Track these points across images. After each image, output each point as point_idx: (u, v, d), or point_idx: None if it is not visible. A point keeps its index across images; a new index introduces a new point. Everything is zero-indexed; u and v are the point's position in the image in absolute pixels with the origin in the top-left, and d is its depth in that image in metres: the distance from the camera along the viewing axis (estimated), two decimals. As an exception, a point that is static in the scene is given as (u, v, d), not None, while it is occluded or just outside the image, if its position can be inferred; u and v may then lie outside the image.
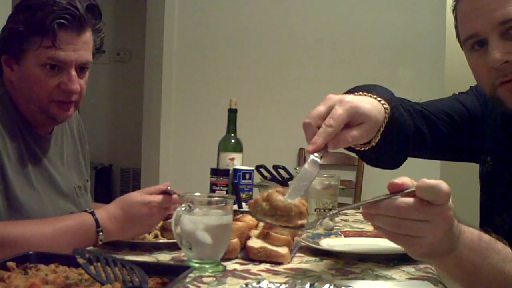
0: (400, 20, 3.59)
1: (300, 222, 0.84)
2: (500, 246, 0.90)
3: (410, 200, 0.78)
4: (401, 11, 3.59)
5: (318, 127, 0.93)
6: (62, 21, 1.28)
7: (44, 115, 1.35)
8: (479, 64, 1.10)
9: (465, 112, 1.33)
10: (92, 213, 1.17)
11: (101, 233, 1.16)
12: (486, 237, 0.90)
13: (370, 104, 0.99)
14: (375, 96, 1.04)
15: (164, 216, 1.25)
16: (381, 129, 1.02)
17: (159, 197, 1.21)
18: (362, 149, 1.06)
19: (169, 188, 1.23)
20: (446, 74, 3.60)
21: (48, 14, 1.27)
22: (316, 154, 0.91)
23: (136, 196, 1.21)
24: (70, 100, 1.34)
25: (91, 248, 1.19)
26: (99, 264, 0.81)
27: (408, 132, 1.15)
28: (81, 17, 1.31)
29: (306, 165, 0.90)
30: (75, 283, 0.79)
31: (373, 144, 1.03)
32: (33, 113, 1.35)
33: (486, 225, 1.28)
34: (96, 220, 1.16)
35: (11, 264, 0.84)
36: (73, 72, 1.32)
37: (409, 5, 3.56)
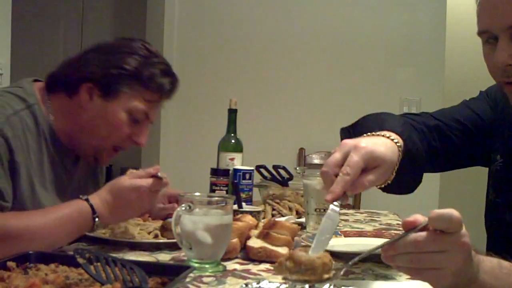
0: (400, 20, 3.59)
1: (326, 276, 0.85)
2: None
3: (424, 233, 0.80)
4: (401, 11, 3.58)
5: (336, 175, 0.95)
6: (170, 86, 1.35)
7: (95, 153, 1.34)
8: (490, 58, 1.11)
9: (477, 119, 1.35)
10: (87, 200, 1.17)
11: (97, 219, 1.17)
12: (506, 263, 0.91)
13: (384, 147, 1.01)
14: (388, 135, 1.05)
15: (154, 200, 1.25)
16: (396, 167, 1.03)
17: (148, 181, 1.20)
18: (378, 186, 1.08)
19: (158, 173, 1.22)
20: (446, 74, 3.60)
21: (160, 74, 1.32)
22: (335, 203, 0.93)
23: (124, 180, 1.20)
24: (123, 150, 1.37)
25: (91, 248, 1.19)
26: (99, 264, 0.81)
27: (421, 159, 1.17)
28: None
29: (326, 217, 0.92)
30: (75, 283, 0.79)
31: (389, 182, 1.05)
32: (85, 146, 1.34)
33: (495, 221, 1.29)
34: (92, 207, 1.17)
35: (11, 264, 0.84)
36: (147, 129, 1.36)
37: (409, 5, 3.56)
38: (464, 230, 0.81)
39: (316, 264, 0.83)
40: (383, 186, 1.08)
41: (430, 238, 0.79)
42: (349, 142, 0.99)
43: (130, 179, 1.20)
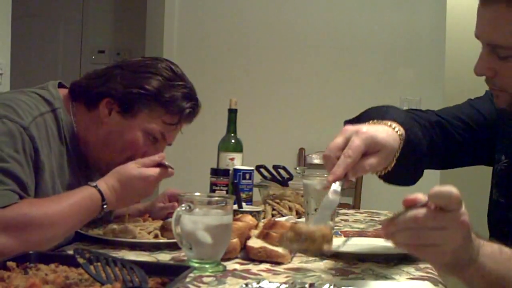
0: (400, 20, 3.59)
1: (326, 246, 0.88)
2: None
3: (424, 209, 0.81)
4: (401, 11, 3.58)
5: (338, 158, 0.98)
6: (190, 110, 1.35)
7: (107, 166, 1.34)
8: None
9: (481, 118, 1.35)
10: (96, 187, 1.20)
11: (105, 206, 1.19)
12: (506, 249, 0.92)
13: (385, 133, 1.04)
14: (389, 124, 1.08)
15: (156, 187, 1.27)
16: (397, 155, 1.06)
17: (155, 171, 1.24)
18: (379, 174, 1.10)
19: (165, 162, 1.25)
20: (446, 74, 3.60)
21: (182, 97, 1.33)
22: (337, 183, 0.96)
23: (132, 169, 1.23)
24: None
25: (91, 248, 1.19)
26: (99, 264, 0.81)
27: (422, 151, 1.19)
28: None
29: (328, 195, 0.96)
30: (75, 283, 0.79)
31: (389, 169, 1.08)
32: (99, 158, 1.36)
33: (498, 221, 1.30)
34: (101, 194, 1.19)
35: (11, 264, 0.84)
36: (163, 150, 1.37)
37: (409, 5, 3.56)
38: (463, 209, 0.82)
39: (316, 235, 0.87)
40: (384, 174, 1.09)
41: (430, 215, 0.80)
42: (350, 127, 1.02)
43: (138, 168, 1.23)
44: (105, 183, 1.21)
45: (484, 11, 1.05)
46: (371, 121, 1.09)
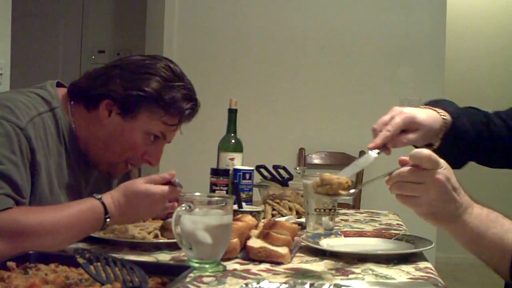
0: (400, 20, 3.59)
1: (342, 191, 1.06)
2: (506, 221, 1.04)
3: (408, 167, 1.00)
4: (401, 11, 3.59)
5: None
6: (190, 111, 1.35)
7: (108, 167, 1.35)
8: None
9: None
10: (100, 199, 1.17)
11: (108, 219, 1.16)
12: (495, 213, 1.05)
13: (426, 114, 1.25)
14: (435, 109, 1.27)
15: (165, 207, 1.25)
16: (440, 135, 1.27)
17: (163, 189, 1.20)
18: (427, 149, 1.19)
19: (175, 180, 1.21)
20: (446, 74, 3.60)
21: (182, 98, 1.32)
22: (374, 150, 1.17)
23: (140, 184, 1.19)
24: (137, 166, 1.38)
25: (91, 247, 1.19)
26: (99, 264, 0.81)
27: (467, 140, 1.32)
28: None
29: (364, 155, 1.18)
30: (75, 283, 0.79)
31: (435, 147, 1.27)
32: (99, 159, 1.35)
33: None
34: (105, 206, 1.16)
35: (11, 264, 0.84)
36: (162, 148, 1.37)
37: (409, 5, 3.56)
38: (443, 169, 0.99)
39: (333, 182, 1.06)
40: (431, 149, 1.16)
41: (411, 171, 0.99)
42: (397, 108, 1.22)
43: (145, 184, 1.19)
44: (111, 197, 1.19)
45: None
46: (423, 106, 1.31)
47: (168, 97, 1.31)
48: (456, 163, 1.35)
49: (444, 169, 0.99)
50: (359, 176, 3.55)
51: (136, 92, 1.30)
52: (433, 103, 1.34)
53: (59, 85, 1.38)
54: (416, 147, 1.23)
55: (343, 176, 1.08)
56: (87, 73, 1.38)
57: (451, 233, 1.06)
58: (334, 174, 1.08)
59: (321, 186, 1.09)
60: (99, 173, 1.45)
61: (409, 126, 1.21)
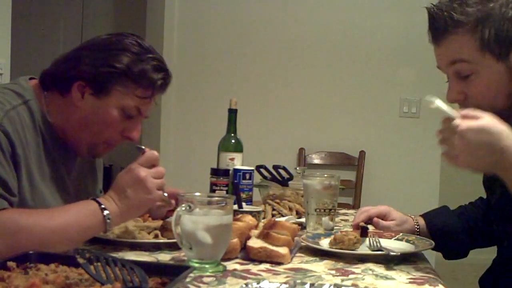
0: (400, 20, 3.59)
1: (353, 246, 1.26)
2: None
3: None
4: (401, 11, 3.58)
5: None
6: (162, 82, 1.34)
7: (89, 149, 1.35)
8: None
9: None
10: (94, 199, 1.19)
11: (106, 212, 1.16)
12: None
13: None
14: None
15: (154, 182, 1.24)
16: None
17: (136, 161, 1.25)
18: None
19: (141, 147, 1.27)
20: (446, 74, 3.60)
21: (152, 70, 1.32)
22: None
23: (120, 172, 1.24)
24: (118, 144, 1.38)
25: (91, 248, 1.19)
26: (99, 264, 0.81)
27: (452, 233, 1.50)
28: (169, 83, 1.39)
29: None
30: (75, 283, 0.79)
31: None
32: (78, 142, 1.35)
33: None
34: (98, 202, 1.17)
35: (11, 264, 0.84)
36: (140, 124, 1.37)
37: (409, 5, 3.56)
38: (458, 121, 1.04)
39: (344, 239, 1.24)
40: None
41: (440, 130, 1.09)
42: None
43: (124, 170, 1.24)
44: (103, 197, 1.21)
45: (438, 48, 1.31)
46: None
47: (138, 70, 1.31)
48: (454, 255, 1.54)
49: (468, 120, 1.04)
50: (359, 177, 3.56)
51: (106, 69, 1.30)
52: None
53: (32, 78, 1.39)
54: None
55: (351, 232, 1.31)
56: (56, 60, 1.38)
57: (504, 179, 1.09)
58: (346, 231, 1.32)
59: (335, 244, 1.24)
60: (84, 167, 1.46)
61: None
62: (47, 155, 1.31)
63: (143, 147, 1.26)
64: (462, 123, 1.03)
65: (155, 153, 1.27)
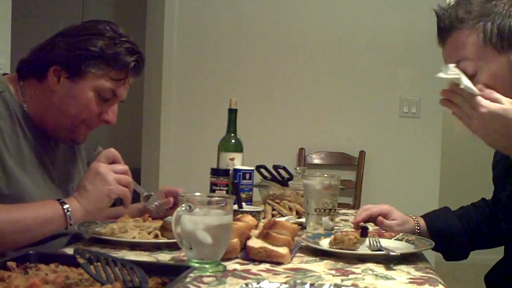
0: (400, 20, 3.59)
1: (354, 246, 1.26)
2: None
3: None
4: (401, 11, 3.59)
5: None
6: (135, 64, 1.38)
7: (69, 133, 1.39)
8: None
9: None
10: (58, 200, 1.24)
11: (65, 205, 1.22)
12: None
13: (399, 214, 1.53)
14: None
15: (110, 173, 1.29)
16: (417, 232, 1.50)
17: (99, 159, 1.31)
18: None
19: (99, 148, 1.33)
20: (446, 74, 3.60)
21: (125, 52, 1.36)
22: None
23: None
24: (96, 127, 1.42)
25: (91, 248, 1.19)
26: (99, 264, 0.81)
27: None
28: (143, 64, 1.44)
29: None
30: (75, 283, 0.79)
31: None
32: (58, 127, 1.38)
33: None
34: (60, 200, 1.23)
35: (11, 264, 0.84)
36: (116, 107, 1.41)
37: (409, 5, 3.56)
38: (479, 99, 1.15)
39: (344, 239, 1.24)
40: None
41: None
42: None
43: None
44: (66, 199, 1.27)
45: (444, 48, 1.31)
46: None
47: (111, 52, 1.35)
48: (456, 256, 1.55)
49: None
50: (359, 177, 3.56)
51: (81, 52, 1.34)
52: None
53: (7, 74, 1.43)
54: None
55: (351, 232, 1.34)
56: (32, 49, 1.42)
57: None
58: (346, 232, 1.32)
59: (335, 244, 1.25)
60: (66, 155, 1.49)
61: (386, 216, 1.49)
62: (27, 143, 1.34)
63: (152, 193, 1.38)
64: (484, 105, 1.12)
65: (113, 150, 1.32)
